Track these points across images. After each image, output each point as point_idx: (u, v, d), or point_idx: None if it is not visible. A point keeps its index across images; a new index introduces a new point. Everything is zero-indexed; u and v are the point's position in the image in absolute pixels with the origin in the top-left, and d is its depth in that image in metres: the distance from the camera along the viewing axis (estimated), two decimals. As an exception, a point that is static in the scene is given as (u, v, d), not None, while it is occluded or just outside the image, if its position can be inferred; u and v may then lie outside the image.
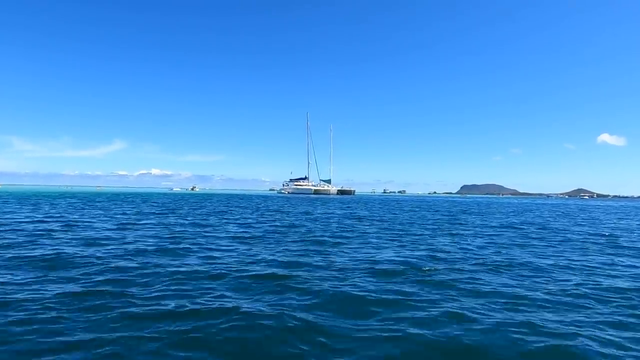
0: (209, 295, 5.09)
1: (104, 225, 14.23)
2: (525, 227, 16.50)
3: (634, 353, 3.56)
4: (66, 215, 18.52)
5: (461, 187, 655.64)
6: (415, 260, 8.06)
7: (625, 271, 7.25)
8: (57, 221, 15.32)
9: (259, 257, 8.07)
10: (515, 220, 20.86)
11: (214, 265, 7.08)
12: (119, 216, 18.58)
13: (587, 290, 5.64)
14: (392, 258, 8.23)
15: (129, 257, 7.85)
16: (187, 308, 4.51)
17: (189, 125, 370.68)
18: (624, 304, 5.10)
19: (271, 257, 8.06)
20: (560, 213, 30.96)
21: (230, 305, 4.62)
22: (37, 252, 7.95)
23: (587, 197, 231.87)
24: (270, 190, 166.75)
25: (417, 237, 12.25)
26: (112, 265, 6.88)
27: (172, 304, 4.69)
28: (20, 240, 9.60)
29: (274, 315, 4.28)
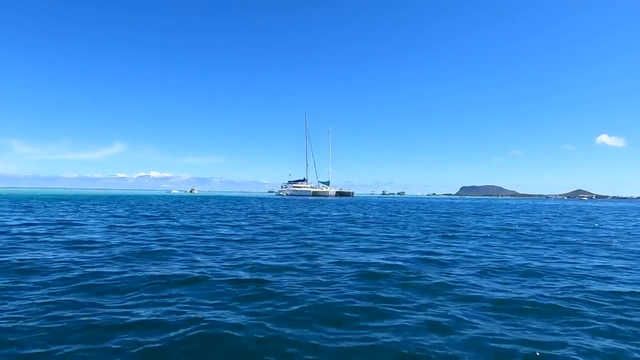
0: (182, 303, 4.89)
1: (93, 228, 14.02)
2: (520, 229, 16.31)
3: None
4: (56, 218, 18.29)
5: (460, 189, 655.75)
6: (403, 263, 7.87)
7: (617, 274, 7.06)
8: (46, 224, 15.12)
9: (244, 261, 7.87)
10: (510, 222, 20.68)
11: (195, 270, 6.87)
12: (110, 219, 18.36)
13: (575, 295, 5.44)
14: (380, 261, 8.03)
15: (111, 261, 7.65)
16: (156, 317, 4.31)
17: (189, 127, 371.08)
18: (614, 308, 4.91)
19: (256, 261, 7.86)
20: (557, 214, 30.79)
21: (201, 314, 4.41)
22: (14, 257, 7.74)
23: (586, 198, 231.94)
24: (269, 192, 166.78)
25: (409, 240, 12.06)
26: (90, 270, 6.67)
27: (142, 313, 4.49)
28: (0, 245, 9.40)
29: (244, 325, 4.08)
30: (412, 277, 6.58)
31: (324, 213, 27.25)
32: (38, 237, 11.12)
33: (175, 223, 16.79)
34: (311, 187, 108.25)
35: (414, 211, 32.05)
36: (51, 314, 4.43)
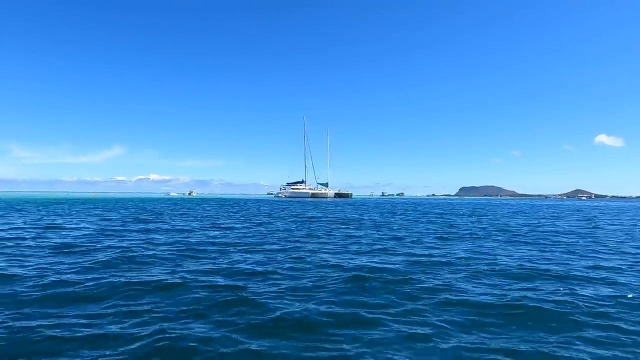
0: (152, 312, 4.65)
1: (81, 232, 13.77)
2: (516, 230, 16.09)
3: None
4: (46, 222, 18.03)
5: (460, 190, 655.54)
6: (392, 266, 7.65)
7: (611, 276, 6.83)
8: (34, 228, 14.88)
9: (227, 266, 7.63)
10: (507, 223, 20.47)
11: (175, 275, 6.64)
12: (101, 223, 18.12)
13: (563, 298, 5.22)
14: (369, 264, 7.80)
15: (91, 266, 7.39)
16: (120, 329, 4.07)
17: (188, 130, 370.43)
18: (603, 313, 4.69)
19: (240, 266, 7.64)
20: (555, 215, 30.57)
21: (169, 325, 4.17)
22: (-10, 263, 7.50)
23: (585, 198, 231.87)
24: (269, 194, 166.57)
25: (402, 242, 11.84)
26: (66, 277, 6.41)
27: (107, 324, 4.26)
28: (-19, 250, 9.17)
29: (213, 337, 3.84)
30: (399, 282, 6.35)
31: (320, 215, 27.03)
32: (22, 242, 10.89)
33: (166, 226, 16.56)
34: (310, 189, 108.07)
35: (411, 212, 31.83)
36: (11, 324, 4.20)
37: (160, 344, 3.64)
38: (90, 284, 6.01)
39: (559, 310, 4.79)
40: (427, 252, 9.62)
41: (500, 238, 13.08)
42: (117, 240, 11.52)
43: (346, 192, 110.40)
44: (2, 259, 7.99)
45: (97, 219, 20.67)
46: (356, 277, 6.63)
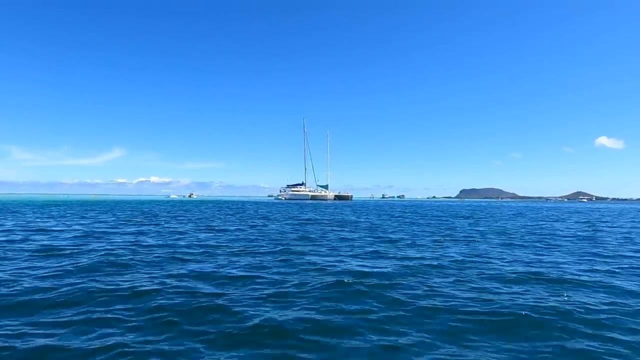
0: (114, 322, 4.38)
1: (70, 234, 13.54)
2: (511, 232, 15.85)
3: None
4: (39, 224, 17.81)
5: (460, 192, 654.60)
6: (381, 270, 7.42)
7: (603, 282, 6.59)
8: (24, 230, 14.67)
9: (212, 269, 7.41)
10: (505, 225, 20.21)
11: (154, 280, 6.42)
12: (95, 225, 17.89)
13: (551, 303, 4.98)
14: (357, 268, 7.57)
15: (71, 270, 7.18)
16: (73, 342, 3.85)
17: (189, 132, 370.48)
18: (589, 319, 4.46)
19: (225, 270, 7.41)
20: (554, 217, 30.28)
21: (129, 337, 3.91)
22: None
23: (585, 200, 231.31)
24: (269, 196, 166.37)
25: (396, 244, 11.60)
26: (39, 283, 6.18)
27: (59, 333, 4.04)
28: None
29: (176, 349, 3.62)
30: (385, 286, 6.13)
31: (317, 217, 26.79)
32: (8, 244, 10.67)
33: (158, 228, 16.33)
34: (310, 191, 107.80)
35: (409, 214, 31.58)
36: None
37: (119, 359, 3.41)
38: (65, 289, 5.79)
39: (547, 317, 4.56)
40: (419, 255, 9.38)
41: (496, 240, 12.85)
42: (105, 243, 11.29)
43: (346, 194, 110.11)
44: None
45: (90, 221, 20.44)
46: (341, 282, 6.41)
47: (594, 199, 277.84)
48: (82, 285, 6.03)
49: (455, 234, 15.14)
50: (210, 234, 14.25)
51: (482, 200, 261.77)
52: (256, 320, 4.43)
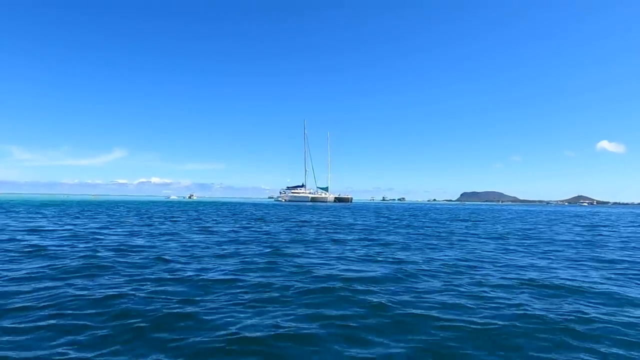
0: (72, 337, 4.11)
1: (57, 235, 13.32)
2: (509, 237, 15.58)
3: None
4: (31, 224, 17.59)
5: (461, 195, 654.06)
6: (368, 274, 7.17)
7: (594, 289, 6.34)
8: (14, 230, 14.45)
9: (192, 273, 7.16)
10: (502, 229, 19.95)
11: (130, 285, 6.17)
12: (88, 225, 17.67)
13: (540, 313, 4.73)
14: (343, 273, 7.32)
15: (47, 273, 6.95)
16: (29, 354, 3.62)
17: (189, 133, 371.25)
18: (578, 333, 4.21)
19: (205, 273, 7.15)
20: (553, 221, 29.98)
21: (86, 347, 3.69)
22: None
23: (586, 204, 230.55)
24: (269, 198, 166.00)
25: (388, 247, 11.34)
26: (9, 287, 5.95)
27: (14, 345, 3.81)
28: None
29: None
30: (370, 292, 5.89)
31: (314, 219, 26.55)
32: (-9, 245, 10.45)
33: (150, 229, 16.10)
34: (310, 193, 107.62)
35: (407, 217, 31.31)
36: None
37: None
38: (36, 293, 5.55)
39: (536, 326, 4.31)
40: (411, 259, 9.13)
41: (492, 244, 12.59)
42: (92, 244, 11.06)
43: (346, 196, 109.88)
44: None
45: (84, 221, 20.22)
46: (326, 286, 6.18)
47: (595, 203, 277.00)
48: (56, 288, 5.81)
49: (451, 237, 14.88)
50: (202, 236, 14.02)
51: (482, 203, 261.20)
52: (228, 329, 4.19)
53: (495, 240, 13.89)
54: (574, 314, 4.83)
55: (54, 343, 3.78)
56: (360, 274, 7.31)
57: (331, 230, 17.13)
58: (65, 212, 28.79)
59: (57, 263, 7.89)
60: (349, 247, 11.34)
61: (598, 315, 4.81)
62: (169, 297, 5.44)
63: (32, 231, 14.32)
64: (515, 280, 6.78)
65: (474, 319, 4.58)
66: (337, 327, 4.31)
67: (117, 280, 6.49)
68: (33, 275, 6.77)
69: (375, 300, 5.39)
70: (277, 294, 5.75)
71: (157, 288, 5.96)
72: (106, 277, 6.70)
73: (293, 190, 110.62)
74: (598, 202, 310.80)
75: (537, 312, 4.87)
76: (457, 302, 5.36)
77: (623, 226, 23.74)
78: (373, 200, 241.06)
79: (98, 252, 9.49)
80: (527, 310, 4.98)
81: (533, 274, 7.46)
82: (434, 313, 4.81)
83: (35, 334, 3.98)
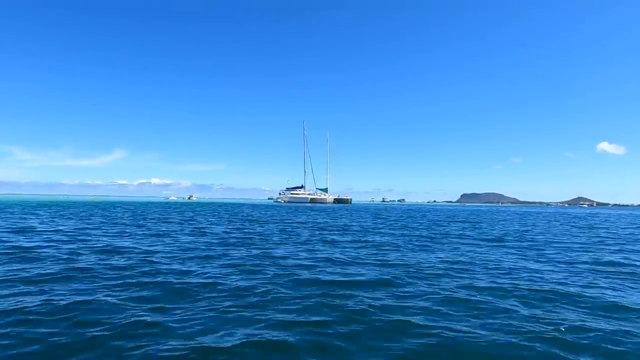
0: (26, 347, 3.94)
1: (47, 235, 13.09)
2: (505, 240, 15.33)
3: None
4: (22, 224, 17.36)
5: (461, 196, 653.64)
6: (353, 278, 6.94)
7: (584, 297, 6.11)
8: (3, 231, 14.22)
9: (172, 277, 6.92)
10: (497, 231, 19.70)
11: (103, 291, 5.95)
12: (80, 225, 17.44)
13: (529, 328, 4.50)
14: (329, 277, 7.10)
15: (19, 277, 6.73)
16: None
17: (189, 133, 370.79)
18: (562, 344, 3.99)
19: (186, 277, 6.92)
20: (552, 222, 29.72)
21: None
22: None
23: (586, 206, 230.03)
24: (269, 199, 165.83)
25: (380, 249, 11.11)
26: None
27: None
28: None
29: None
30: (353, 297, 5.66)
31: (309, 220, 26.32)
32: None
33: (142, 230, 15.87)
34: (309, 194, 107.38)
35: (405, 218, 31.05)
36: None
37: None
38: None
39: (514, 337, 4.08)
40: (401, 262, 8.90)
41: (485, 247, 12.35)
42: (77, 245, 10.84)
43: (345, 198, 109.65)
44: None
45: (77, 221, 19.99)
46: (309, 291, 5.96)
47: (594, 205, 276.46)
48: (25, 294, 5.57)
49: (444, 239, 14.65)
50: (192, 237, 13.79)
51: (482, 205, 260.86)
52: (195, 338, 3.95)
53: (490, 243, 13.66)
54: (564, 322, 4.60)
55: (7, 354, 3.56)
56: (346, 277, 7.09)
57: (325, 232, 16.90)
58: (60, 213, 28.57)
59: (35, 265, 7.68)
60: (339, 249, 11.11)
61: (588, 324, 4.58)
62: (141, 303, 5.20)
63: (20, 232, 14.10)
64: (505, 285, 6.54)
65: (458, 327, 4.36)
66: (312, 335, 4.09)
67: (92, 284, 6.26)
68: (7, 277, 6.55)
69: (356, 306, 5.17)
70: (255, 299, 5.52)
71: (133, 294, 5.73)
72: (82, 282, 6.47)
73: (292, 192, 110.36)
74: (598, 204, 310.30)
75: (524, 320, 4.65)
76: (440, 308, 5.12)
77: (621, 228, 23.49)
78: (373, 201, 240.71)
79: (81, 254, 9.27)
80: (513, 317, 4.76)
81: (523, 278, 7.23)
82: (416, 320, 4.58)
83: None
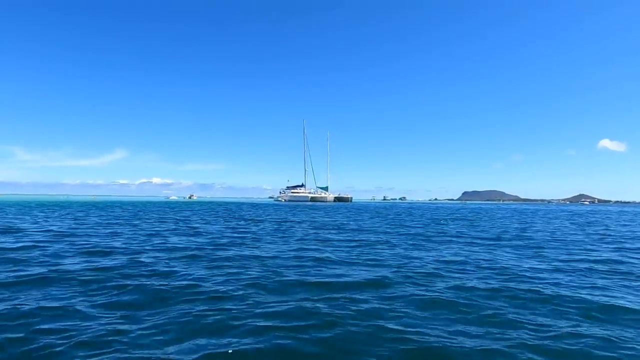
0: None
1: (37, 236, 12.89)
2: (502, 238, 15.09)
3: None
4: (11, 224, 17.19)
5: (462, 194, 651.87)
6: (340, 280, 6.72)
7: (576, 299, 5.87)
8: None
9: (153, 281, 6.71)
10: (495, 229, 19.45)
11: (77, 297, 5.76)
12: (73, 225, 17.25)
13: (517, 340, 4.27)
14: (314, 279, 6.87)
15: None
16: None
17: (190, 133, 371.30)
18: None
19: (166, 281, 6.69)
20: (553, 219, 29.44)
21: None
22: None
23: (587, 203, 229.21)
24: (269, 198, 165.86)
25: (374, 248, 10.88)
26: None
27: None
28: None
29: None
30: (332, 300, 5.44)
31: (307, 218, 26.10)
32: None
33: (135, 230, 15.67)
34: (309, 193, 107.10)
35: (404, 216, 30.81)
36: None
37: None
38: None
39: (498, 344, 3.86)
40: (393, 262, 8.67)
41: (480, 245, 12.11)
42: (64, 246, 10.64)
43: (346, 196, 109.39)
44: None
45: (71, 222, 19.80)
46: (287, 297, 5.74)
47: (596, 202, 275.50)
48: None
49: (440, 237, 14.41)
50: (184, 237, 13.58)
51: (483, 202, 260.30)
52: (153, 352, 3.69)
53: (486, 241, 13.41)
54: (554, 326, 4.37)
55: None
56: (333, 278, 6.87)
57: (320, 231, 16.68)
58: (56, 213, 28.41)
59: (14, 268, 7.47)
60: (332, 249, 10.89)
61: (579, 329, 4.35)
62: (113, 309, 4.99)
63: (7, 232, 13.92)
64: (495, 285, 6.31)
65: (439, 332, 4.14)
66: (283, 343, 3.86)
67: (67, 289, 6.04)
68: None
69: (336, 310, 4.94)
70: (232, 306, 5.26)
71: (109, 298, 5.52)
72: (59, 285, 6.26)
73: (293, 190, 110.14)
74: (600, 201, 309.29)
75: (510, 325, 4.42)
76: (422, 312, 4.90)
77: (621, 225, 23.21)
78: (374, 199, 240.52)
79: (66, 256, 9.08)
80: (499, 321, 4.53)
81: (516, 278, 7.00)
82: (394, 325, 4.36)
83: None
